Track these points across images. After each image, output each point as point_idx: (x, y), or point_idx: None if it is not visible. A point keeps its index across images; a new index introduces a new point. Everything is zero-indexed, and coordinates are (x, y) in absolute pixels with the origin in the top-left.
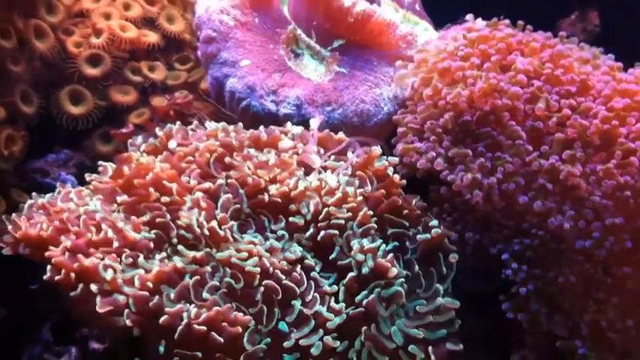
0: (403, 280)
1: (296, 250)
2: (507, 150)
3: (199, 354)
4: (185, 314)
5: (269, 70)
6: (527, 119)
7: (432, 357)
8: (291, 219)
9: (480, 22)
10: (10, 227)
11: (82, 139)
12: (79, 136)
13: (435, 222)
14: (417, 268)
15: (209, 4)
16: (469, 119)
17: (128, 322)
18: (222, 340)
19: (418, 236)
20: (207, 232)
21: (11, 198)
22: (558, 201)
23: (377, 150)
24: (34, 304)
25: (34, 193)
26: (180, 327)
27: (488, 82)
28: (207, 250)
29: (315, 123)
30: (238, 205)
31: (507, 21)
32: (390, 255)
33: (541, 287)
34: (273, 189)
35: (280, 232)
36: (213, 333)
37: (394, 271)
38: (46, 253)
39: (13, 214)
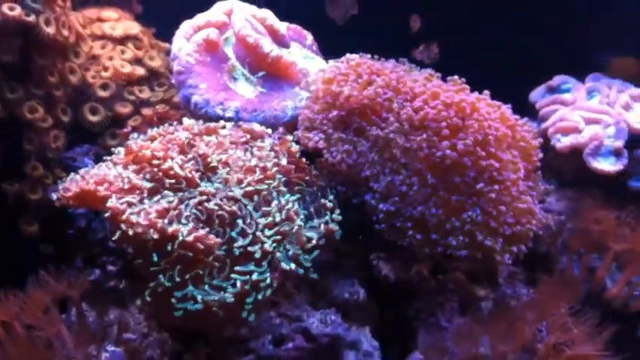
0: (303, 218)
1: (235, 192)
2: (366, 135)
3: (190, 253)
4: (180, 232)
5: (218, 90)
6: (383, 112)
7: (322, 233)
8: (227, 176)
9: (354, 55)
10: (60, 189)
11: (97, 137)
12: (95, 135)
13: (322, 182)
14: (311, 209)
15: (180, 46)
16: (344, 113)
17: (152, 235)
18: (202, 246)
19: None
20: (187, 175)
21: (55, 174)
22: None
23: (289, 137)
24: (71, 244)
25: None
26: (178, 240)
27: (360, 89)
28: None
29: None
30: (198, 166)
31: (369, 55)
32: (296, 205)
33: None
34: (215, 158)
35: (218, 184)
36: (198, 243)
37: (297, 220)
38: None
39: (59, 183)
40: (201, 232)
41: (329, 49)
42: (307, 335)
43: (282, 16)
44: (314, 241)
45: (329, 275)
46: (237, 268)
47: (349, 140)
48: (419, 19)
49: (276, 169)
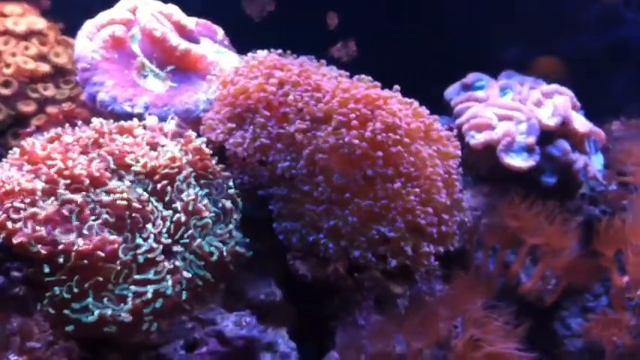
0: (213, 214)
1: (143, 193)
2: (263, 127)
3: (87, 261)
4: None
5: (125, 87)
6: (282, 106)
7: (225, 253)
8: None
9: (262, 52)
10: None
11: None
12: None
13: (227, 173)
14: (220, 204)
15: (84, 45)
16: (241, 108)
17: (39, 249)
18: (103, 254)
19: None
20: (87, 178)
21: None
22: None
23: (193, 134)
24: None
25: None
26: (74, 248)
27: (258, 84)
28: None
29: (152, 119)
30: (106, 164)
31: (279, 51)
32: (205, 200)
33: (290, 210)
34: (131, 156)
35: (129, 181)
36: (99, 252)
37: (206, 213)
38: None
39: None
40: (98, 237)
41: (246, 46)
42: (221, 339)
43: (196, 13)
44: (214, 257)
45: (245, 276)
46: (136, 277)
47: (246, 129)
48: (336, 17)
49: (185, 162)
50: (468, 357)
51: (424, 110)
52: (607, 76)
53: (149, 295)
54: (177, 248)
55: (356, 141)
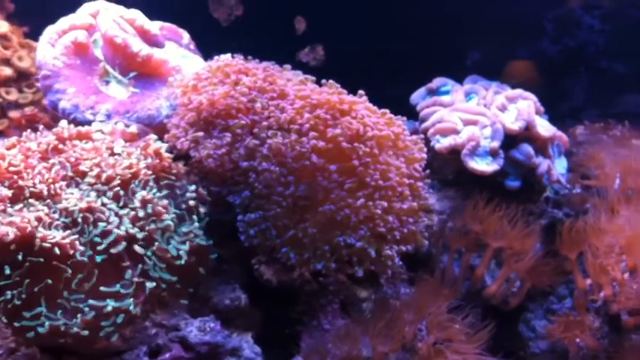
0: (174, 216)
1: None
2: (231, 128)
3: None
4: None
5: (88, 94)
6: (250, 113)
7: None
8: (94, 180)
9: (225, 55)
10: None
11: None
12: None
13: (191, 177)
14: (183, 207)
15: (46, 52)
16: (207, 114)
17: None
18: (59, 252)
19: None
20: (46, 190)
21: None
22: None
23: (153, 137)
24: None
25: None
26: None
27: (224, 91)
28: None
29: (120, 125)
30: (65, 172)
31: (241, 56)
32: (164, 200)
33: (256, 206)
34: (88, 163)
35: (86, 188)
36: (56, 248)
37: (165, 215)
38: None
39: None
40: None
41: (213, 50)
42: (185, 344)
43: (163, 17)
44: (182, 260)
45: (210, 281)
46: (102, 288)
47: (217, 137)
48: (304, 21)
49: (143, 165)
50: (431, 359)
51: (397, 119)
52: (565, 80)
53: (109, 309)
54: (139, 250)
55: (321, 143)
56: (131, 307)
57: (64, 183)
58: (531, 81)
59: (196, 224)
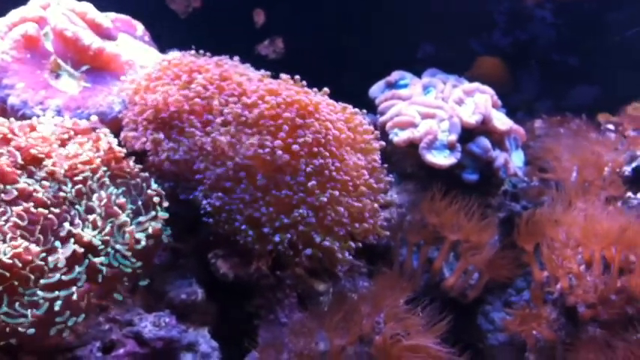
0: (129, 211)
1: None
2: (187, 134)
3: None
4: None
5: (37, 89)
6: (206, 112)
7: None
8: (51, 170)
9: (175, 52)
10: None
11: None
12: None
13: (146, 174)
14: (139, 202)
15: None
16: (165, 115)
17: None
18: (21, 264)
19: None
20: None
21: None
22: (213, 161)
23: (105, 131)
24: None
25: None
26: None
27: (181, 87)
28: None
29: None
30: (14, 160)
31: (193, 52)
32: (121, 198)
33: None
34: (41, 155)
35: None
36: (16, 260)
37: (122, 214)
38: None
39: None
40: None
41: (171, 43)
42: (140, 340)
43: (120, 8)
44: (142, 242)
45: (166, 276)
46: (42, 281)
47: (174, 139)
48: (263, 14)
49: (98, 161)
50: (388, 352)
51: (358, 117)
52: (517, 72)
53: (56, 308)
54: (97, 243)
55: (279, 152)
56: (75, 297)
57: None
58: (499, 77)
59: (153, 213)
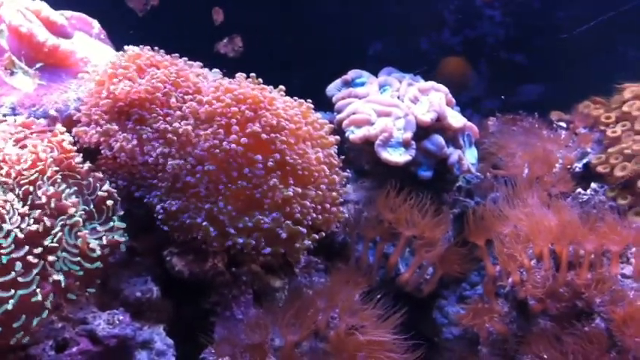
0: (82, 212)
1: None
2: (150, 120)
3: None
4: None
5: None
6: (164, 107)
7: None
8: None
9: (133, 47)
10: None
11: None
12: None
13: (99, 174)
14: (91, 205)
15: None
16: (123, 104)
17: None
18: None
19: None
20: None
21: None
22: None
23: (61, 129)
24: None
25: None
26: None
27: (141, 82)
28: None
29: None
30: None
31: (148, 47)
32: (73, 197)
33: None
34: None
35: None
36: None
37: (72, 209)
38: None
39: None
40: None
41: (128, 41)
42: (93, 338)
43: (77, 7)
44: (97, 252)
45: (120, 274)
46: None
47: (130, 129)
48: (222, 12)
49: (50, 160)
50: (343, 346)
51: (313, 113)
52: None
53: (9, 307)
54: (49, 243)
55: (233, 145)
56: (39, 297)
57: None
58: (463, 76)
59: (112, 223)
